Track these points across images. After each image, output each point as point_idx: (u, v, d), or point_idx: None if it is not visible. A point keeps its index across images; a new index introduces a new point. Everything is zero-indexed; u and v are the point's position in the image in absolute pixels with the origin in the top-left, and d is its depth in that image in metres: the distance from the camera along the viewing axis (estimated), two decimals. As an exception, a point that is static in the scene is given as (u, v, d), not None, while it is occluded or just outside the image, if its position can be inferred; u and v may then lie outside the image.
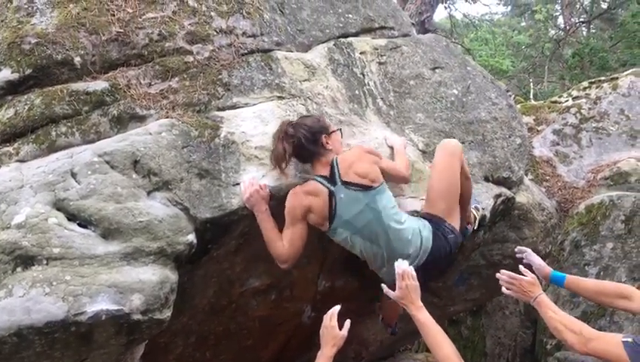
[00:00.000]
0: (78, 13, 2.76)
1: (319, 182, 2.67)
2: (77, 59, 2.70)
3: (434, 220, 2.80)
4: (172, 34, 2.89)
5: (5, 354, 2.06)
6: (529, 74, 17.43)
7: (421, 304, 2.36)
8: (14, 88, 2.65)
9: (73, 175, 2.36)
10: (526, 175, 4.01)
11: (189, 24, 2.95)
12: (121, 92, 2.69)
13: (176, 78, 2.82)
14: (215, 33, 2.99)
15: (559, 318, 2.33)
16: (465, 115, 3.49)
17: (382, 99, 3.38)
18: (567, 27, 17.22)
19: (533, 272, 2.60)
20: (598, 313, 4.51)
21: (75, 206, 2.28)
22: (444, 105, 3.49)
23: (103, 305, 2.09)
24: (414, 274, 2.40)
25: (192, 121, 2.66)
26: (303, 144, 2.66)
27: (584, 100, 5.92)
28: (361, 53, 3.47)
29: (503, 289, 2.53)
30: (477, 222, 3.21)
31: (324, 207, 2.64)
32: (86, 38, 2.74)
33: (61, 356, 2.15)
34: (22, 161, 2.51)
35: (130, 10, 2.86)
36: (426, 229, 2.75)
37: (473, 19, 17.10)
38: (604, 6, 16.59)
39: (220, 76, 2.89)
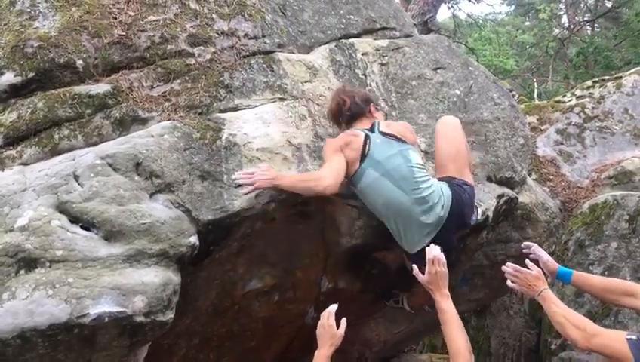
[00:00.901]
0: (81, 17, 2.78)
1: (359, 130, 2.93)
2: (79, 63, 2.71)
3: (444, 179, 2.92)
4: (174, 36, 2.90)
5: (9, 357, 2.07)
6: (533, 73, 17.36)
7: (447, 292, 2.37)
8: (17, 91, 2.66)
9: (76, 178, 2.37)
10: (529, 175, 4.00)
11: (191, 26, 2.96)
12: (123, 95, 2.70)
13: (178, 81, 2.83)
14: (217, 35, 3.00)
15: (563, 313, 2.32)
16: (467, 115, 3.48)
17: (384, 99, 3.38)
18: (572, 26, 17.20)
19: (540, 267, 2.59)
20: (602, 313, 4.49)
21: (78, 208, 2.28)
22: (447, 105, 3.49)
23: (105, 307, 2.10)
24: (445, 261, 2.42)
25: (194, 123, 2.67)
26: (356, 101, 2.98)
27: (588, 99, 5.89)
28: (362, 54, 3.47)
29: (508, 282, 2.52)
30: (479, 211, 3.20)
31: (360, 145, 2.86)
32: (88, 41, 2.75)
33: (64, 358, 2.16)
34: (25, 164, 2.52)
35: (132, 13, 2.87)
36: (444, 186, 2.88)
37: (477, 19, 17.01)
38: (609, 4, 16.57)
39: (221, 78, 2.90)
